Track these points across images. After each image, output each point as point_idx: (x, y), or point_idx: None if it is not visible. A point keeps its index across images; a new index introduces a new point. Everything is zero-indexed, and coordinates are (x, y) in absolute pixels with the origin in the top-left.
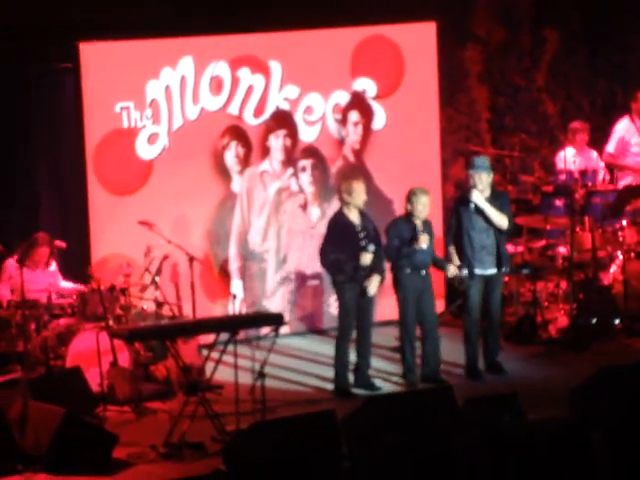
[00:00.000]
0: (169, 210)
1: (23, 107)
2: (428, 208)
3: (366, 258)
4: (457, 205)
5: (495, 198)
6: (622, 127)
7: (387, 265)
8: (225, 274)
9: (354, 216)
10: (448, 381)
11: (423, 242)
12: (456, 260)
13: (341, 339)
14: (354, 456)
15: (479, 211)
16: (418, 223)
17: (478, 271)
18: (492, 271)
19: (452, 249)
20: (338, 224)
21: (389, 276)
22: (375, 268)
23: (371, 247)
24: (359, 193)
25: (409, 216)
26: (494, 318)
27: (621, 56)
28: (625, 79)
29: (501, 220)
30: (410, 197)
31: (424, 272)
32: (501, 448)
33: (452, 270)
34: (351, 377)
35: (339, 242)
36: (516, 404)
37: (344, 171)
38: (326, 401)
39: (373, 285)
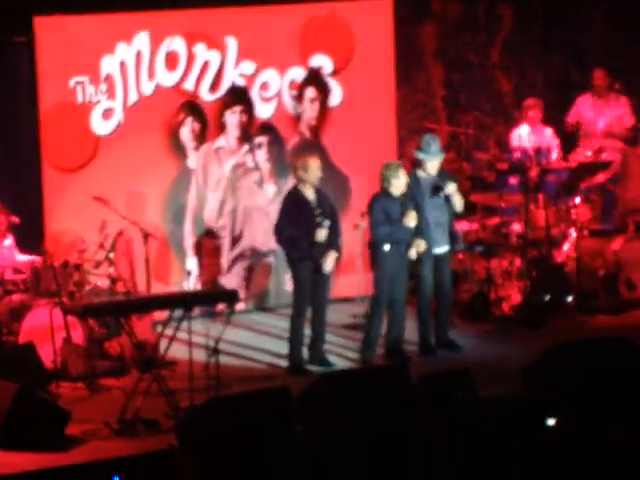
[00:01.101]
0: (124, 186)
1: None
2: (406, 182)
3: (321, 234)
4: (411, 182)
5: (440, 177)
6: (581, 104)
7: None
8: (180, 251)
9: (309, 192)
10: (407, 355)
11: (412, 219)
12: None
13: (296, 316)
14: (308, 432)
15: (435, 188)
16: (401, 199)
17: (433, 249)
18: (445, 248)
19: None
20: (293, 200)
21: (349, 253)
22: (331, 245)
23: (326, 223)
24: (314, 170)
25: (387, 192)
26: (446, 295)
27: (575, 33)
28: (579, 56)
29: (460, 204)
30: (386, 172)
31: (402, 249)
32: (454, 424)
33: (423, 245)
34: (306, 353)
35: (294, 218)
36: (469, 380)
37: (300, 147)
38: (280, 377)
39: (329, 262)
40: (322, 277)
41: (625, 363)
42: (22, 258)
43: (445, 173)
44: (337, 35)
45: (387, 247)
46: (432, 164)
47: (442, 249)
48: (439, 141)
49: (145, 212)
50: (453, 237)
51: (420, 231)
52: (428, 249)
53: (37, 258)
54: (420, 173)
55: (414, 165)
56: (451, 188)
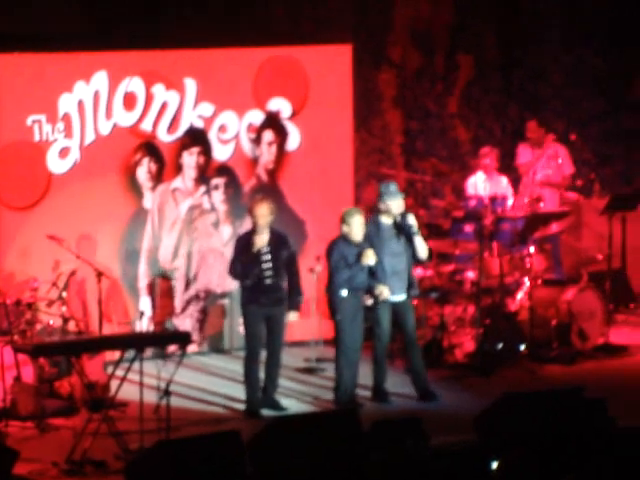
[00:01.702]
0: (79, 225)
1: None
2: (364, 228)
3: (369, 257)
4: (368, 230)
5: (403, 217)
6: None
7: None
8: (134, 291)
9: (262, 237)
10: (359, 402)
11: (370, 257)
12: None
13: (248, 360)
14: (257, 478)
15: (392, 236)
16: (359, 244)
17: (389, 297)
18: (402, 297)
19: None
20: (242, 243)
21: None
22: (290, 304)
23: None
24: (261, 215)
25: (346, 238)
26: (413, 343)
27: (533, 83)
28: (536, 106)
29: (425, 248)
30: (346, 218)
31: (360, 294)
32: (403, 472)
33: (386, 292)
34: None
35: (242, 260)
36: (419, 428)
37: (257, 190)
38: (232, 421)
39: (292, 317)
40: (276, 323)
41: (577, 414)
42: None
43: (406, 214)
44: (295, 79)
45: (345, 292)
46: (397, 203)
47: (399, 297)
48: (397, 184)
49: (99, 251)
50: (410, 284)
51: (377, 278)
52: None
53: None
54: (382, 219)
55: (376, 212)
56: (411, 219)
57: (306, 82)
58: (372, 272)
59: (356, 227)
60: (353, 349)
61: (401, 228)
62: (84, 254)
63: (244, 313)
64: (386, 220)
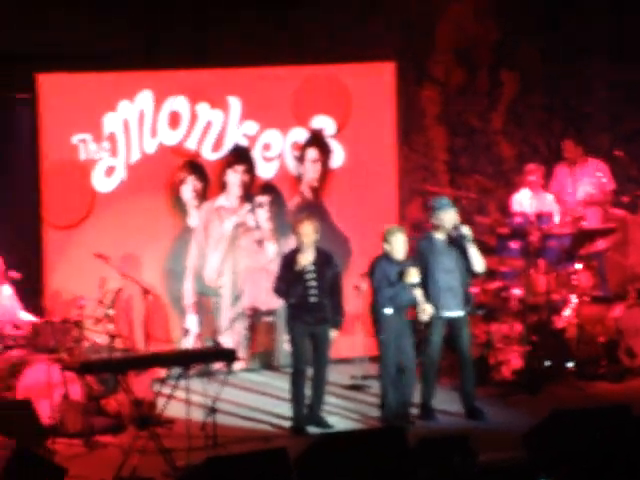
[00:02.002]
0: (124, 243)
1: None
2: (407, 246)
3: (413, 275)
4: (422, 246)
5: (456, 228)
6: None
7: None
8: (179, 309)
9: (307, 255)
10: (412, 419)
11: (414, 276)
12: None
13: (294, 377)
14: None
15: (446, 251)
16: (401, 262)
17: (443, 313)
18: (458, 313)
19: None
20: (287, 261)
21: (349, 314)
22: (333, 322)
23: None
24: (306, 234)
25: (388, 256)
26: (467, 360)
27: (577, 98)
28: (581, 122)
29: (481, 260)
30: (388, 237)
31: (405, 312)
32: None
33: (429, 310)
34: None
35: (287, 279)
36: (467, 445)
37: (301, 208)
38: (279, 438)
39: (332, 335)
40: (322, 340)
41: (625, 432)
42: (23, 316)
43: (460, 225)
44: (339, 97)
45: (389, 310)
46: (450, 217)
47: (454, 313)
48: (448, 198)
49: (144, 270)
50: (467, 300)
51: (429, 295)
52: (437, 313)
53: (36, 318)
54: (435, 235)
55: (414, 227)
56: (465, 229)
57: (349, 100)
58: (425, 289)
59: (397, 245)
60: (404, 371)
61: (455, 242)
62: (129, 272)
63: (289, 330)
64: (439, 235)
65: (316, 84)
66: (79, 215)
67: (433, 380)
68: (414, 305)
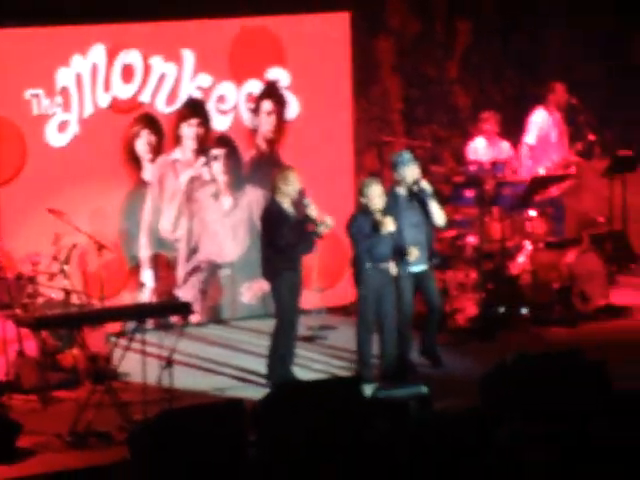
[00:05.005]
0: (79, 198)
1: None
2: (384, 198)
3: (389, 224)
4: (387, 202)
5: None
6: (540, 119)
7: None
8: (135, 263)
9: (287, 205)
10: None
11: (389, 225)
12: None
13: (287, 327)
14: (261, 444)
15: (409, 206)
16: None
17: (411, 269)
18: (423, 267)
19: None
20: (273, 214)
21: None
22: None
23: (306, 201)
24: (293, 182)
25: (365, 209)
26: (435, 310)
27: (531, 47)
28: (534, 69)
29: (441, 214)
30: (363, 189)
31: (384, 266)
32: (408, 436)
33: (415, 253)
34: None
35: (279, 231)
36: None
37: (257, 160)
38: (234, 390)
39: None
40: (300, 286)
41: (577, 376)
42: None
43: (419, 180)
44: (293, 47)
45: (369, 264)
46: (411, 172)
47: (420, 267)
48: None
49: (100, 224)
50: (431, 253)
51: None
52: (405, 268)
53: None
54: (398, 190)
55: (392, 184)
56: (425, 184)
57: (304, 50)
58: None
59: (374, 196)
60: (382, 322)
61: (416, 196)
62: (85, 227)
63: (279, 282)
64: (402, 191)
65: (271, 35)
66: (35, 171)
67: (409, 334)
68: (393, 258)
